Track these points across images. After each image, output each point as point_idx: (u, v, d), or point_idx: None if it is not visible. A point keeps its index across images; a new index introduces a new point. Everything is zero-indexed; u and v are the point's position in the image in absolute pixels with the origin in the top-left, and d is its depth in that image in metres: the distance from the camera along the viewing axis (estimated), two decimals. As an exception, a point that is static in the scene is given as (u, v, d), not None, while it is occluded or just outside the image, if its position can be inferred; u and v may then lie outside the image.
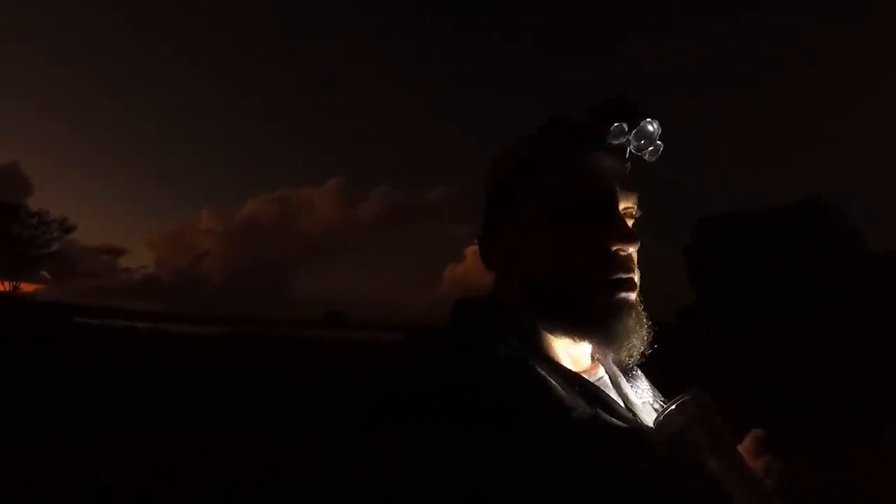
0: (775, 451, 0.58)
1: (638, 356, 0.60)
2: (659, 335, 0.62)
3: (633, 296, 0.59)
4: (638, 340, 0.59)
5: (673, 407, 0.55)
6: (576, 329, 0.58)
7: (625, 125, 0.58)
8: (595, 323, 0.57)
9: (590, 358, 0.65)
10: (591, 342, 0.59)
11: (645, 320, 0.60)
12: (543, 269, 0.58)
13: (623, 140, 0.59)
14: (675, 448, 0.52)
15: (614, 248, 0.57)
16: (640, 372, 0.70)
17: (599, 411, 0.53)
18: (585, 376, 0.59)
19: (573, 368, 0.60)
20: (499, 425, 0.44)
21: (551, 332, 0.60)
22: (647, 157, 0.61)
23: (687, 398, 0.55)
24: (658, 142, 0.60)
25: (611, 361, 0.67)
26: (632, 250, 0.59)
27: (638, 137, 0.59)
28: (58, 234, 43.63)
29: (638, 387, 0.68)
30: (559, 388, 0.52)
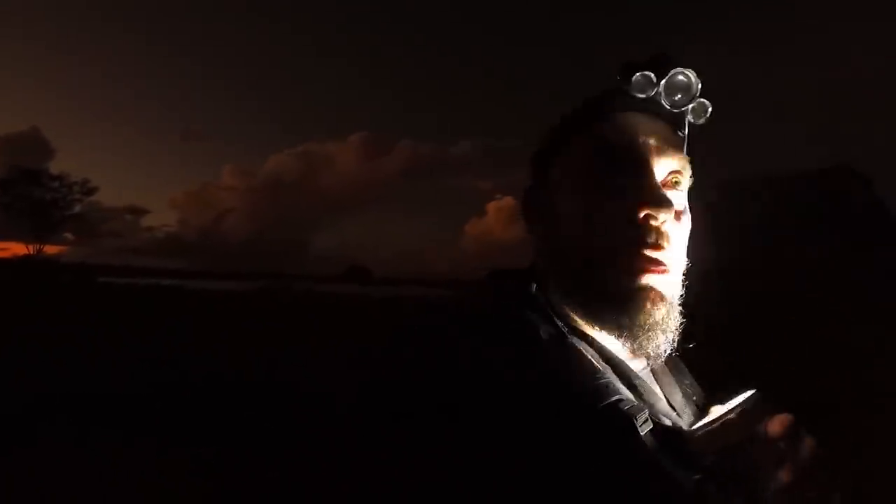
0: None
1: (664, 354, 0.53)
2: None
3: (662, 280, 0.52)
4: (664, 337, 0.52)
5: (733, 415, 0.48)
6: (590, 314, 0.54)
7: (652, 76, 0.54)
8: (611, 310, 0.52)
9: None
10: (605, 331, 0.54)
11: (678, 313, 0.54)
12: (570, 240, 0.54)
13: (651, 93, 0.54)
14: (724, 460, 0.47)
15: (643, 214, 0.51)
16: (682, 364, 0.65)
17: (645, 404, 0.50)
18: (629, 363, 0.54)
19: (618, 354, 0.54)
20: (542, 413, 0.43)
21: (573, 313, 0.55)
22: (691, 117, 0.56)
23: (747, 407, 0.48)
24: (700, 98, 0.55)
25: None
26: (663, 217, 0.52)
27: (670, 90, 0.54)
28: (79, 196, 44.10)
29: (681, 381, 0.63)
30: (605, 374, 0.49)
